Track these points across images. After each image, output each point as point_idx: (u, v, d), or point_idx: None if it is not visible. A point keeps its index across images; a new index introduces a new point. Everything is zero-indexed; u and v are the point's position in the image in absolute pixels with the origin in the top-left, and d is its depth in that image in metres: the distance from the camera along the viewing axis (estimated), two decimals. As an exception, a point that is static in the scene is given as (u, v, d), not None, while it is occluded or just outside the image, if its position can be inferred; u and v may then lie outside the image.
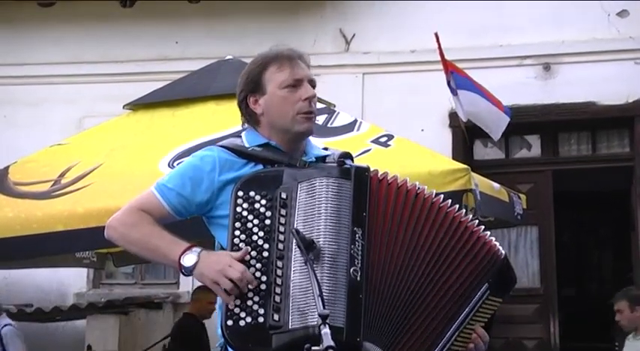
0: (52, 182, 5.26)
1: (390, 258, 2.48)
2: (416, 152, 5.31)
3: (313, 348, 2.13)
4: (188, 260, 2.45)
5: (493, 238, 2.62)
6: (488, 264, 2.58)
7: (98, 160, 5.46)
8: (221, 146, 2.67)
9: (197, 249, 2.47)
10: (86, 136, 6.49)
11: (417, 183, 2.60)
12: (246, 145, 2.67)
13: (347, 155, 2.68)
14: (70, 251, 6.43)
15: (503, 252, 2.63)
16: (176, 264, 2.48)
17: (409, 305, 2.47)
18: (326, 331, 2.14)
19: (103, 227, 2.67)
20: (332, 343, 2.11)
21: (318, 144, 2.86)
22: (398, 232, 2.51)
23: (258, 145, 2.66)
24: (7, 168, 5.70)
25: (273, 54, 2.68)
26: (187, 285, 9.05)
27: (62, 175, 5.32)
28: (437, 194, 2.60)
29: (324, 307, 2.21)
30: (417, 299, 2.48)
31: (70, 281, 9.41)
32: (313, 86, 2.68)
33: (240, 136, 2.73)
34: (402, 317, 2.46)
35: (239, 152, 2.64)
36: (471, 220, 2.60)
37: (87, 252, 7.35)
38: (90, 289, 9.61)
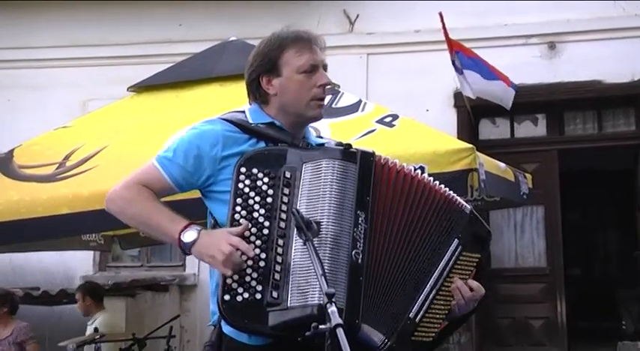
0: (57, 165, 5.25)
1: (389, 243, 2.49)
2: (421, 132, 5.28)
3: (321, 326, 2.11)
4: (188, 237, 2.45)
5: (460, 198, 2.65)
6: (452, 220, 2.59)
7: (102, 142, 5.45)
8: (224, 119, 2.65)
9: (197, 227, 2.47)
10: (90, 118, 6.48)
11: (413, 166, 2.62)
12: (250, 121, 2.65)
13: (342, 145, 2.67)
14: (75, 234, 6.44)
15: (468, 207, 2.64)
16: (176, 240, 2.47)
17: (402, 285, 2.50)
18: (333, 309, 2.12)
19: (108, 209, 2.65)
20: (340, 321, 2.10)
21: (313, 130, 2.86)
22: (396, 217, 2.52)
23: (263, 123, 2.64)
24: (11, 151, 5.69)
25: (292, 36, 2.64)
26: (194, 267, 9.08)
27: (67, 157, 5.31)
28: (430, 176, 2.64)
29: (328, 286, 2.19)
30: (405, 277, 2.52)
31: (76, 264, 9.44)
32: (326, 70, 2.67)
33: (244, 112, 2.71)
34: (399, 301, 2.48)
35: (243, 127, 2.62)
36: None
37: (93, 235, 7.36)
38: (96, 272, 9.65)
